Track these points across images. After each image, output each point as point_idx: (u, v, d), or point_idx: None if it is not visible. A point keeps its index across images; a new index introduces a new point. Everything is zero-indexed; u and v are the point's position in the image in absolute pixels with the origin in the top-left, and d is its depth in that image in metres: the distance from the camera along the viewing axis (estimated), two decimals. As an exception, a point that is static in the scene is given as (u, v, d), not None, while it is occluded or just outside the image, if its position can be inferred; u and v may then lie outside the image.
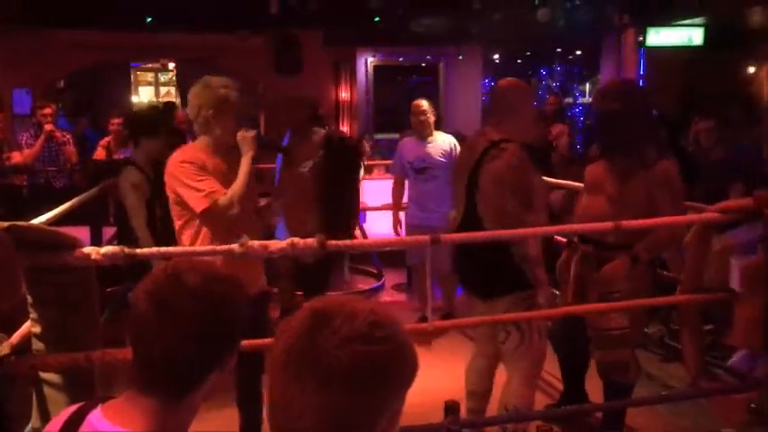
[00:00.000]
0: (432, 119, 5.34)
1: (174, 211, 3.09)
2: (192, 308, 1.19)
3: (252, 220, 3.18)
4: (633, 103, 3.27)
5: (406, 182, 5.52)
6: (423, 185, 5.27)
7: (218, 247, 2.67)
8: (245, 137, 3.10)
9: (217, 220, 2.98)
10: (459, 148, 5.28)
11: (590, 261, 3.34)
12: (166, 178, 3.05)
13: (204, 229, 3.03)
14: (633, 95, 3.35)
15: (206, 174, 3.01)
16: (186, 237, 3.06)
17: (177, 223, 3.09)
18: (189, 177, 2.98)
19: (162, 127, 4.45)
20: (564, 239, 3.77)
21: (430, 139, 5.31)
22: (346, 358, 0.93)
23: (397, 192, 5.60)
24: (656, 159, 3.21)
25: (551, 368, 4.14)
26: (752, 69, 8.34)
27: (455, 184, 3.36)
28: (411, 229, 5.32)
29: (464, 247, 3.18)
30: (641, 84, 8.01)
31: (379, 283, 6.77)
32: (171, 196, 3.06)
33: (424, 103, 5.35)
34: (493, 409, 3.38)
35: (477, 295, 3.27)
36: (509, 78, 3.39)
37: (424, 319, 5.08)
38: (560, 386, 3.99)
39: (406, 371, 0.99)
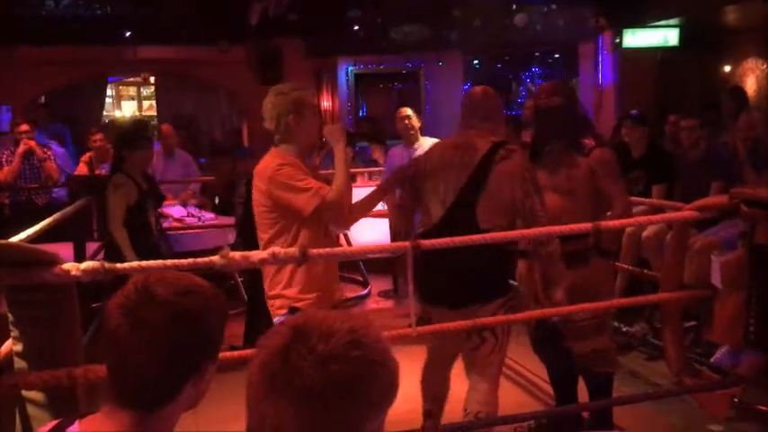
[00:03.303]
0: (416, 124, 5.44)
1: (266, 219, 2.98)
2: (162, 321, 1.19)
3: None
4: (571, 98, 3.49)
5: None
6: None
7: (199, 260, 2.67)
8: (332, 129, 3.08)
9: (327, 218, 2.94)
10: None
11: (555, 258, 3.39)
12: (264, 185, 2.94)
13: (303, 234, 2.92)
14: (569, 92, 3.56)
15: (306, 174, 2.96)
16: (279, 246, 2.88)
17: (267, 233, 2.98)
18: (292, 179, 2.90)
19: (140, 139, 4.51)
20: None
21: (417, 144, 5.40)
22: (319, 377, 0.92)
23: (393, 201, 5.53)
24: (593, 148, 3.39)
25: (539, 371, 4.16)
26: (727, 68, 8.44)
27: (437, 184, 3.14)
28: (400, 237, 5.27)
29: (440, 253, 2.95)
30: (617, 84, 8.12)
31: (366, 290, 6.78)
32: (264, 205, 2.96)
33: (408, 110, 5.47)
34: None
35: (454, 304, 3.11)
36: (485, 86, 3.43)
37: (423, 322, 5.07)
38: (546, 388, 4.00)
39: (382, 391, 0.97)
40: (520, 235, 3.07)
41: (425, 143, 5.37)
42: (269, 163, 2.98)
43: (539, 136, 3.54)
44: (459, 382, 3.51)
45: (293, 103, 2.99)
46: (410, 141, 5.44)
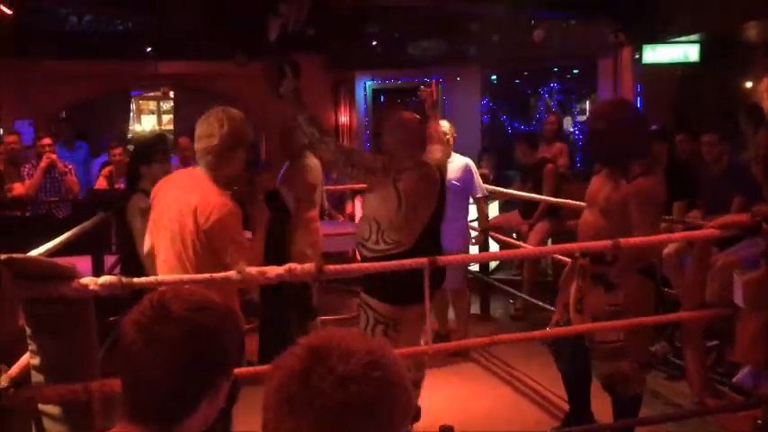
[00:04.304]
0: (452, 141, 5.24)
1: (179, 251, 2.91)
2: (176, 336, 1.19)
3: None
4: (619, 123, 3.35)
5: None
6: None
7: (216, 275, 2.67)
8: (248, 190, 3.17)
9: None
10: (473, 168, 5.31)
11: (586, 273, 3.36)
12: (204, 222, 2.85)
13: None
14: (620, 116, 3.42)
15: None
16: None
17: (169, 262, 2.94)
18: (236, 232, 2.92)
19: (156, 154, 4.49)
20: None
21: (449, 161, 5.16)
22: (341, 398, 0.92)
23: None
24: (638, 175, 3.28)
25: (555, 388, 4.12)
26: (748, 84, 8.37)
27: (415, 214, 3.42)
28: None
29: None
30: (638, 100, 8.04)
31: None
32: (194, 242, 2.88)
33: (445, 125, 5.31)
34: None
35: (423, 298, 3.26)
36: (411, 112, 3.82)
37: (440, 338, 5.11)
38: (564, 406, 3.96)
39: (401, 411, 0.98)
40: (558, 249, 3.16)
41: (456, 160, 5.25)
42: (212, 198, 2.89)
43: (588, 154, 3.75)
44: (463, 399, 3.49)
45: (243, 135, 3.01)
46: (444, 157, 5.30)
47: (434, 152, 3.83)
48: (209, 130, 2.96)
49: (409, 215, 3.39)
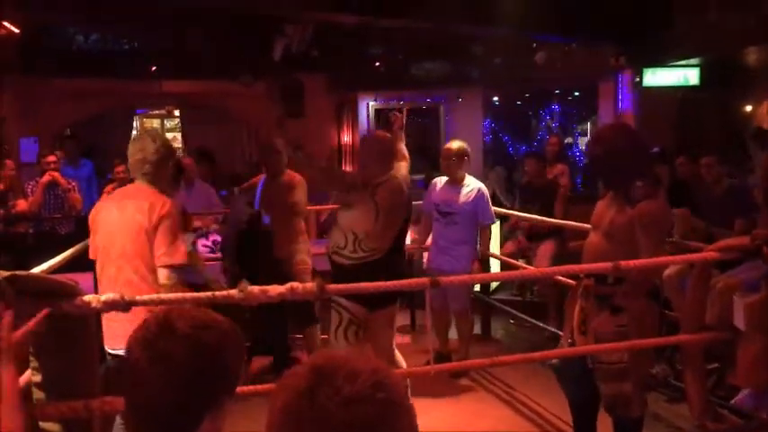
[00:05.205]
0: (461, 162, 5.20)
1: (149, 249, 3.11)
2: (181, 353, 1.21)
3: None
4: (618, 146, 3.35)
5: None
6: (443, 228, 5.24)
7: (218, 293, 2.68)
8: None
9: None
10: (486, 194, 5.31)
11: (590, 295, 3.36)
12: (163, 217, 3.12)
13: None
14: (619, 139, 3.41)
15: None
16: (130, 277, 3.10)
17: (139, 255, 3.12)
18: (179, 230, 3.19)
19: None
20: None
21: (462, 183, 5.23)
22: (347, 418, 0.93)
23: (425, 230, 5.53)
24: (641, 198, 3.28)
25: (556, 410, 4.11)
26: (748, 108, 8.42)
27: (394, 223, 3.77)
28: (430, 273, 5.12)
29: (398, 267, 3.83)
30: (637, 122, 8.08)
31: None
32: (147, 231, 3.12)
33: (454, 146, 5.24)
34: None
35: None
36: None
37: (441, 358, 5.11)
38: (565, 428, 3.95)
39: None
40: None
41: (469, 183, 5.25)
42: (161, 198, 3.18)
43: (589, 177, 3.80)
44: (463, 420, 3.47)
45: (172, 151, 3.39)
46: (455, 179, 5.22)
47: (401, 169, 4.11)
48: (142, 144, 3.24)
49: (385, 225, 3.74)
